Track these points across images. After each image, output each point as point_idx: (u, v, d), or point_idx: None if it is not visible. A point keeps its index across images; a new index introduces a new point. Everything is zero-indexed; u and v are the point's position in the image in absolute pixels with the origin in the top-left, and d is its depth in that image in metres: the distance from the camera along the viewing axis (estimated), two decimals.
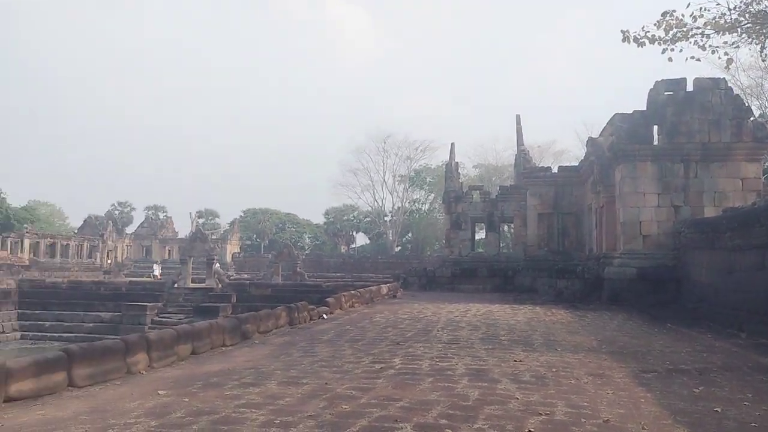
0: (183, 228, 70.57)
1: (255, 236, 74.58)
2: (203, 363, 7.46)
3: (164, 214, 76.80)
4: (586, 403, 5.22)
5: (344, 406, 4.97)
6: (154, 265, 34.56)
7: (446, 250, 31.05)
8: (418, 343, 9.04)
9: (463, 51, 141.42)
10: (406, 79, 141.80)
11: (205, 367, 7.08)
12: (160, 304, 26.07)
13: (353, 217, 74.76)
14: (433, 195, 65.94)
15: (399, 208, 66.60)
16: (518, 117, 35.12)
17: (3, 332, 24.61)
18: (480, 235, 36.98)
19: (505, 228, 42.49)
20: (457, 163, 33.89)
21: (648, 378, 6.56)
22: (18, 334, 24.98)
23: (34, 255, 44.30)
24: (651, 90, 18.34)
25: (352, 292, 17.17)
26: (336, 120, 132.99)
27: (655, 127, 18.42)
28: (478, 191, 30.79)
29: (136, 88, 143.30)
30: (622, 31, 11.74)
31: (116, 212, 76.85)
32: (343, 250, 68.56)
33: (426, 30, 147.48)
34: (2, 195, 61.03)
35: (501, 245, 31.49)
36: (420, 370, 6.80)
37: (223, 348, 8.78)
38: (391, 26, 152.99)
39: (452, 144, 33.96)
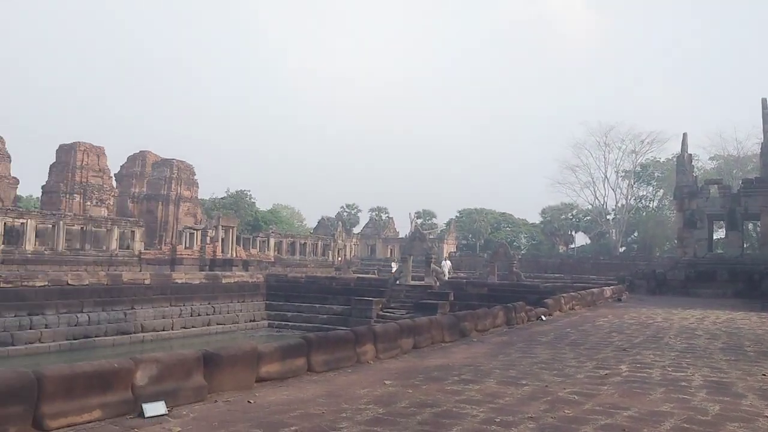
0: (403, 228, 73.90)
1: (470, 236, 75.31)
2: (424, 357, 7.76)
3: (386, 215, 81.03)
4: None
5: (566, 411, 4.84)
6: (393, 263, 35.94)
7: (678, 250, 28.41)
8: (647, 350, 8.44)
9: (696, 36, 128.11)
10: (631, 71, 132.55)
11: (426, 361, 7.37)
12: (384, 299, 27.58)
13: (572, 215, 71.82)
14: (662, 191, 60.68)
15: (623, 205, 62.38)
16: (764, 101, 30.84)
17: (254, 320, 28.00)
18: (719, 234, 33.20)
19: (750, 226, 37.62)
20: (690, 155, 30.81)
21: None
22: (266, 323, 28.24)
23: (277, 252, 49.67)
24: None
25: (572, 293, 16.55)
26: (554, 116, 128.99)
27: None
28: (716, 186, 27.72)
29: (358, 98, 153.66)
30: None
31: (345, 214, 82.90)
32: (561, 251, 66.23)
33: (653, 17, 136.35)
34: (252, 200, 69.61)
35: (744, 245, 27.91)
36: (650, 378, 6.35)
37: (442, 344, 9.04)
38: (613, 18, 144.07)
39: (684, 134, 30.95)
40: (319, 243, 55.40)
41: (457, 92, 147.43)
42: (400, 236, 69.18)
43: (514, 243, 68.49)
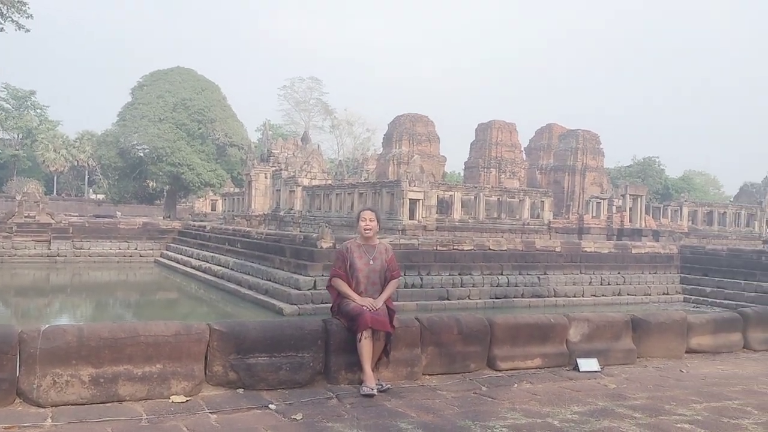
0: None
1: None
2: None
3: None
4: None
5: None
6: None
7: None
8: None
9: None
10: None
11: None
12: None
13: None
14: None
15: None
16: None
17: (667, 293, 26.55)
18: None
19: None
20: None
21: None
22: (681, 297, 26.51)
23: (691, 222, 45.79)
24: None
25: None
26: None
27: None
28: None
29: None
30: None
31: None
32: None
33: None
34: (661, 167, 65.56)
35: None
36: None
37: None
38: None
39: None
40: (742, 212, 48.94)
41: None
42: None
43: None
